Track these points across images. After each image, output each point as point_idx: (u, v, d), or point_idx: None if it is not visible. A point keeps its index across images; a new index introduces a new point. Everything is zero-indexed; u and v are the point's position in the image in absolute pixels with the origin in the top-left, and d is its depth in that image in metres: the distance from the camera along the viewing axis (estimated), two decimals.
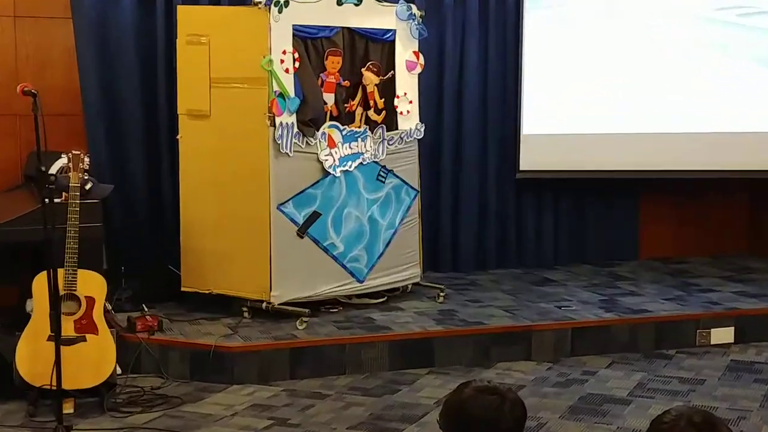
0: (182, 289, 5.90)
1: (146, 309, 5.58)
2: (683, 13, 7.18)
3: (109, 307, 5.27)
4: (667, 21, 7.18)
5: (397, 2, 6.13)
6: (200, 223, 5.80)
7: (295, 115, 5.59)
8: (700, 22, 7.19)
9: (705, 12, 7.17)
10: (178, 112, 5.87)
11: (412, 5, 6.17)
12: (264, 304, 5.62)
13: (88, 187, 5.13)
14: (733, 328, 5.97)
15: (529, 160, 7.16)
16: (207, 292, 5.80)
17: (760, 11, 7.18)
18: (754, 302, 6.29)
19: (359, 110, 6.01)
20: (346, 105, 5.93)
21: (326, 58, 5.81)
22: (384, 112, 6.08)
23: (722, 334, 5.95)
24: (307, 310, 5.57)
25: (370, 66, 5.99)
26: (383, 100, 6.06)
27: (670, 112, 7.18)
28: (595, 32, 7.19)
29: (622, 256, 7.60)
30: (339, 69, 5.86)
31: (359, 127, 5.98)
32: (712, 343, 5.91)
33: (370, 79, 5.97)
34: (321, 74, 5.80)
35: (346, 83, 5.92)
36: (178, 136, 5.88)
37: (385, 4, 6.10)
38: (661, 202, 7.71)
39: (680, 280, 6.93)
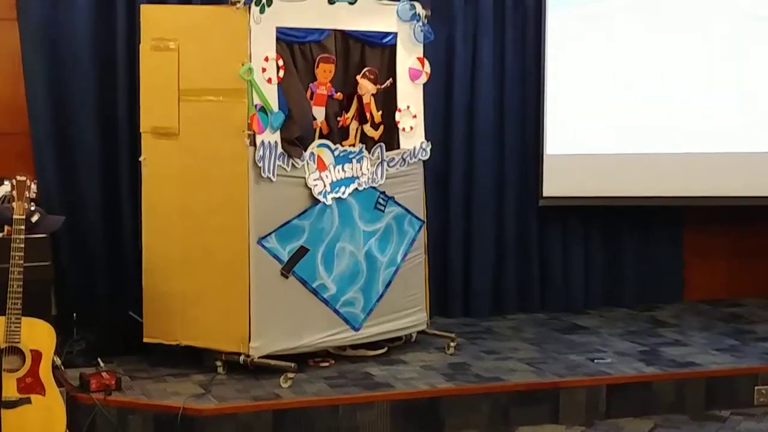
0: (145, 340, 5.85)
1: (102, 364, 5.53)
2: (735, 11, 7.20)
3: (59, 362, 5.21)
4: (716, 21, 7.21)
5: (399, 0, 6.12)
6: (166, 261, 5.77)
7: (279, 132, 5.59)
8: (752, 21, 7.21)
9: (759, 10, 7.19)
10: (141, 130, 5.84)
11: (415, 4, 6.17)
12: (242, 358, 5.58)
13: (34, 219, 5.12)
14: None
15: (554, 184, 7.17)
16: (174, 343, 5.76)
17: None
18: None
19: (354, 124, 6.00)
20: (339, 118, 5.93)
21: (317, 66, 5.81)
22: (382, 126, 6.08)
23: None
24: (292, 365, 5.53)
25: (366, 73, 5.99)
26: (381, 113, 6.06)
27: (719, 129, 7.21)
28: (632, 34, 7.20)
29: (665, 297, 7.62)
30: (331, 78, 5.87)
31: (354, 145, 5.96)
32: None
33: (366, 88, 5.95)
34: (310, 84, 5.80)
35: (339, 95, 5.92)
36: (140, 158, 5.86)
37: (385, 2, 6.11)
38: (709, 234, 7.72)
39: (734, 327, 6.92)
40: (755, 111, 7.21)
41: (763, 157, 7.20)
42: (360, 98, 5.97)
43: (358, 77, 5.96)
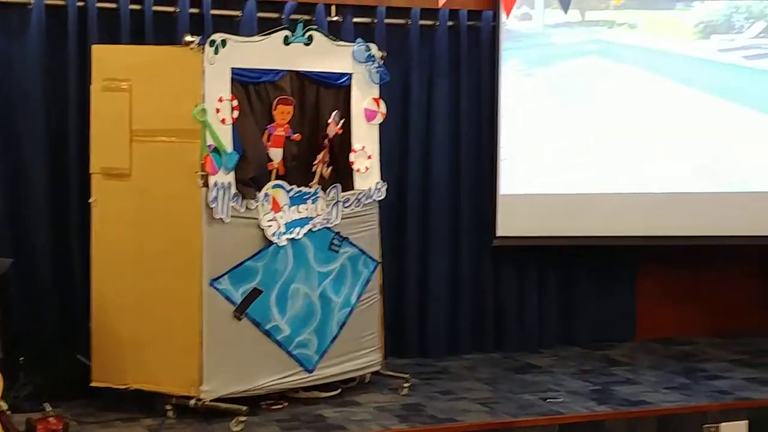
0: (93, 384, 5.77)
1: (49, 409, 5.40)
2: (682, 55, 7.30)
3: (5, 406, 5.10)
4: (664, 65, 7.30)
5: (354, 41, 6.11)
6: (116, 303, 5.70)
7: (232, 173, 5.55)
8: (702, 66, 7.31)
9: (707, 54, 7.29)
10: (92, 171, 5.79)
11: (371, 45, 6.18)
12: (193, 401, 5.51)
13: None
14: (746, 422, 5.96)
15: (509, 224, 7.18)
16: (124, 387, 5.68)
17: None
18: None
19: (319, 167, 5.99)
20: (314, 163, 5.92)
21: (275, 108, 5.80)
22: (331, 166, 6.06)
23: (734, 430, 5.95)
24: (244, 408, 5.48)
25: (335, 116, 6.01)
26: (335, 153, 6.07)
27: (670, 170, 7.27)
28: (584, 78, 7.28)
29: (617, 337, 7.64)
30: (289, 120, 5.84)
31: (313, 186, 5.94)
32: None
33: (336, 131, 5.99)
34: (268, 126, 5.78)
35: (297, 136, 5.88)
36: (90, 200, 5.79)
37: (340, 43, 6.13)
38: (660, 274, 7.75)
39: (684, 365, 6.95)
40: (705, 152, 7.26)
41: (711, 197, 7.25)
42: (330, 140, 5.98)
43: (331, 121, 5.96)
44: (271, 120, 5.78)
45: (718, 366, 6.87)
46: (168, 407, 5.56)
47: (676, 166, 7.22)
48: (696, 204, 7.23)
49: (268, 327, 5.73)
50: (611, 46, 7.23)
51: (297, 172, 5.91)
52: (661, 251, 7.53)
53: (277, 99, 5.77)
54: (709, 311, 7.79)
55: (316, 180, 5.94)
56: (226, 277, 5.56)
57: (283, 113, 5.79)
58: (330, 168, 6.01)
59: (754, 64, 7.28)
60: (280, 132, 5.79)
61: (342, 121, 6.02)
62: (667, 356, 7.18)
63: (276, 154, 5.80)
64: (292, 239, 5.81)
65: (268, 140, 5.75)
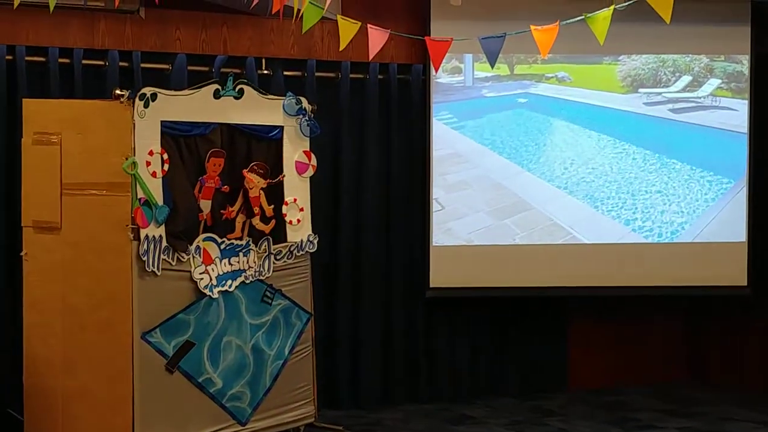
0: None
1: None
2: (610, 108, 7.44)
3: None
4: (592, 117, 7.44)
5: (285, 95, 6.17)
6: (48, 357, 5.64)
7: (163, 226, 5.54)
8: (629, 119, 7.46)
9: (635, 107, 7.44)
10: (23, 225, 5.75)
11: (302, 99, 6.23)
12: None
13: None
14: None
15: (441, 275, 7.24)
16: None
17: (697, 105, 7.46)
18: None
19: (240, 218, 5.98)
20: (223, 211, 5.90)
21: (208, 160, 5.81)
22: (274, 221, 6.06)
23: None
24: None
25: (254, 167, 5.99)
26: (272, 206, 6.05)
27: (599, 221, 7.37)
28: (514, 131, 7.39)
29: (550, 387, 7.67)
30: (219, 172, 5.85)
31: (240, 238, 5.94)
32: None
33: (253, 182, 5.95)
34: (200, 178, 5.79)
35: (226, 188, 5.90)
36: (22, 253, 5.75)
37: (271, 97, 6.15)
38: (591, 324, 7.84)
39: (617, 415, 6.98)
40: (632, 204, 7.38)
41: (639, 248, 7.37)
42: (246, 192, 5.98)
43: (244, 171, 5.97)
44: (203, 172, 5.79)
45: (650, 416, 6.92)
46: None
47: (604, 217, 7.34)
48: (624, 254, 7.34)
49: (200, 380, 5.70)
50: (540, 99, 7.37)
51: (226, 224, 5.92)
52: (591, 301, 7.62)
53: (210, 152, 5.80)
54: (640, 362, 7.87)
55: (237, 231, 5.94)
56: (157, 330, 5.53)
57: (215, 165, 5.81)
58: (272, 222, 6.04)
59: (681, 117, 7.43)
60: (210, 184, 5.80)
61: (281, 175, 6.05)
62: (600, 406, 7.22)
63: (205, 205, 5.80)
64: (225, 291, 5.81)
65: (200, 191, 5.77)
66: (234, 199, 5.96)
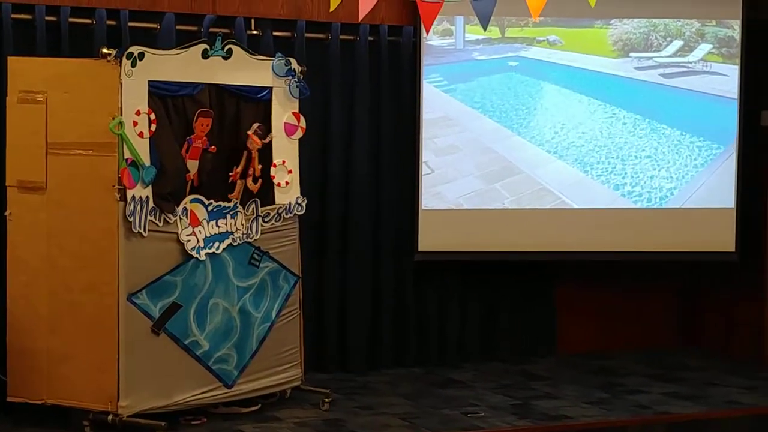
0: (8, 399, 5.73)
1: None
2: (600, 72, 7.43)
3: None
4: (583, 81, 7.43)
5: (274, 56, 6.15)
6: (32, 317, 5.66)
7: (150, 187, 5.55)
8: (620, 83, 7.44)
9: (626, 71, 7.43)
10: (7, 184, 5.75)
11: (291, 59, 6.21)
12: (110, 417, 5.48)
13: None
14: None
15: (430, 239, 7.24)
16: (39, 402, 5.64)
17: (687, 70, 7.44)
18: (689, 405, 6.40)
19: (240, 182, 6.01)
20: (230, 174, 5.92)
21: (195, 120, 5.81)
22: (260, 181, 6.08)
23: None
24: (163, 423, 5.47)
25: (257, 128, 6.02)
26: (260, 167, 6.07)
27: (588, 185, 7.38)
28: (505, 94, 7.36)
29: (538, 351, 7.72)
30: (207, 132, 5.86)
31: (233, 200, 5.94)
32: None
33: (257, 143, 5.99)
34: (188, 138, 5.80)
35: (213, 148, 5.91)
36: (6, 213, 5.75)
37: (260, 57, 6.14)
38: (580, 289, 7.86)
39: (604, 380, 7.03)
40: (622, 169, 7.38)
41: (629, 213, 7.38)
42: (250, 153, 5.99)
43: (250, 133, 5.98)
44: (191, 133, 5.80)
45: (637, 381, 6.96)
46: (85, 423, 5.52)
47: (593, 182, 7.34)
48: (613, 220, 7.35)
49: (187, 342, 5.72)
50: (531, 62, 7.35)
51: (213, 185, 5.92)
52: (581, 266, 7.65)
53: (198, 111, 5.80)
54: (627, 326, 7.91)
55: (236, 193, 5.97)
56: (143, 291, 5.55)
57: (203, 125, 5.82)
58: (259, 182, 6.04)
59: (671, 82, 7.42)
60: (198, 144, 5.82)
61: (270, 135, 6.06)
62: (587, 371, 7.26)
63: (192, 165, 5.82)
64: (212, 254, 5.82)
65: (187, 152, 5.77)
66: (224, 161, 5.96)
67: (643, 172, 7.40)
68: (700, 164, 7.41)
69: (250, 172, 6.02)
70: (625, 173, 7.38)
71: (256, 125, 6.02)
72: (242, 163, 6.00)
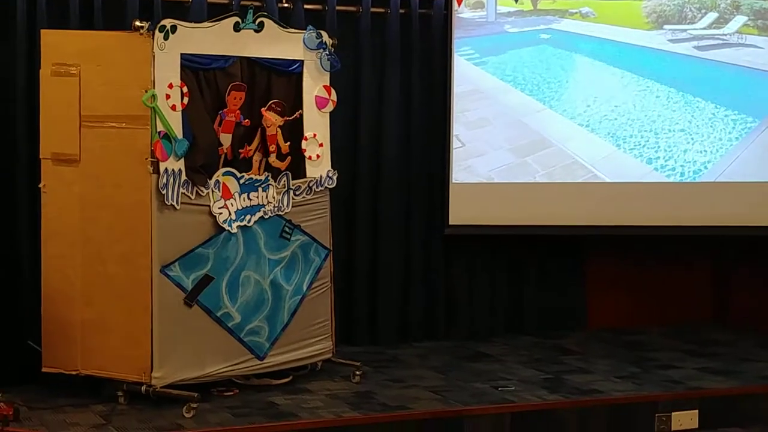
0: (44, 369, 5.79)
1: (0, 394, 5.42)
2: (633, 45, 7.42)
3: None
4: (616, 54, 7.43)
5: (305, 28, 6.18)
6: (67, 289, 5.71)
7: (183, 160, 5.58)
8: (653, 56, 7.44)
9: (659, 44, 7.42)
10: (41, 156, 5.79)
11: (322, 32, 6.23)
12: (144, 388, 5.55)
13: None
14: (697, 411, 6.05)
15: (460, 213, 7.26)
16: (74, 372, 5.70)
17: (722, 42, 7.42)
18: (721, 380, 6.40)
19: (257, 156, 6.04)
20: (240, 150, 5.95)
21: (228, 94, 5.84)
22: (289, 157, 6.10)
23: (685, 419, 6.02)
24: (196, 394, 5.51)
25: (272, 105, 6.02)
26: (288, 143, 6.08)
27: (620, 159, 7.38)
28: (536, 67, 7.38)
29: (569, 325, 7.74)
30: (240, 106, 5.89)
31: (259, 175, 5.96)
32: (673, 429, 5.98)
33: (270, 120, 5.99)
34: (221, 112, 5.83)
35: (247, 122, 5.95)
36: (40, 185, 5.81)
37: (291, 30, 6.16)
38: (611, 264, 7.87)
39: (635, 355, 7.03)
40: (655, 142, 7.38)
41: (663, 188, 7.37)
42: (263, 130, 6.01)
43: (263, 110, 5.99)
44: (222, 106, 5.82)
45: (669, 355, 6.96)
46: (119, 393, 5.59)
47: (626, 155, 7.34)
48: (646, 194, 7.34)
49: (219, 314, 5.77)
50: (563, 35, 7.35)
51: (244, 162, 5.96)
52: (612, 241, 7.64)
53: (231, 85, 5.82)
54: (659, 301, 7.91)
55: (255, 170, 5.98)
56: (177, 263, 5.59)
57: (236, 99, 5.84)
58: (288, 158, 6.06)
59: (706, 54, 7.40)
60: (231, 118, 5.84)
61: (298, 111, 6.08)
62: (619, 345, 7.27)
63: (225, 139, 5.85)
64: (244, 226, 5.86)
65: (220, 125, 5.82)
66: (251, 137, 6.00)
67: (677, 146, 7.38)
68: (735, 138, 7.40)
69: (273, 149, 6.03)
70: (658, 147, 7.38)
71: (271, 102, 6.02)
72: (256, 139, 6.02)
